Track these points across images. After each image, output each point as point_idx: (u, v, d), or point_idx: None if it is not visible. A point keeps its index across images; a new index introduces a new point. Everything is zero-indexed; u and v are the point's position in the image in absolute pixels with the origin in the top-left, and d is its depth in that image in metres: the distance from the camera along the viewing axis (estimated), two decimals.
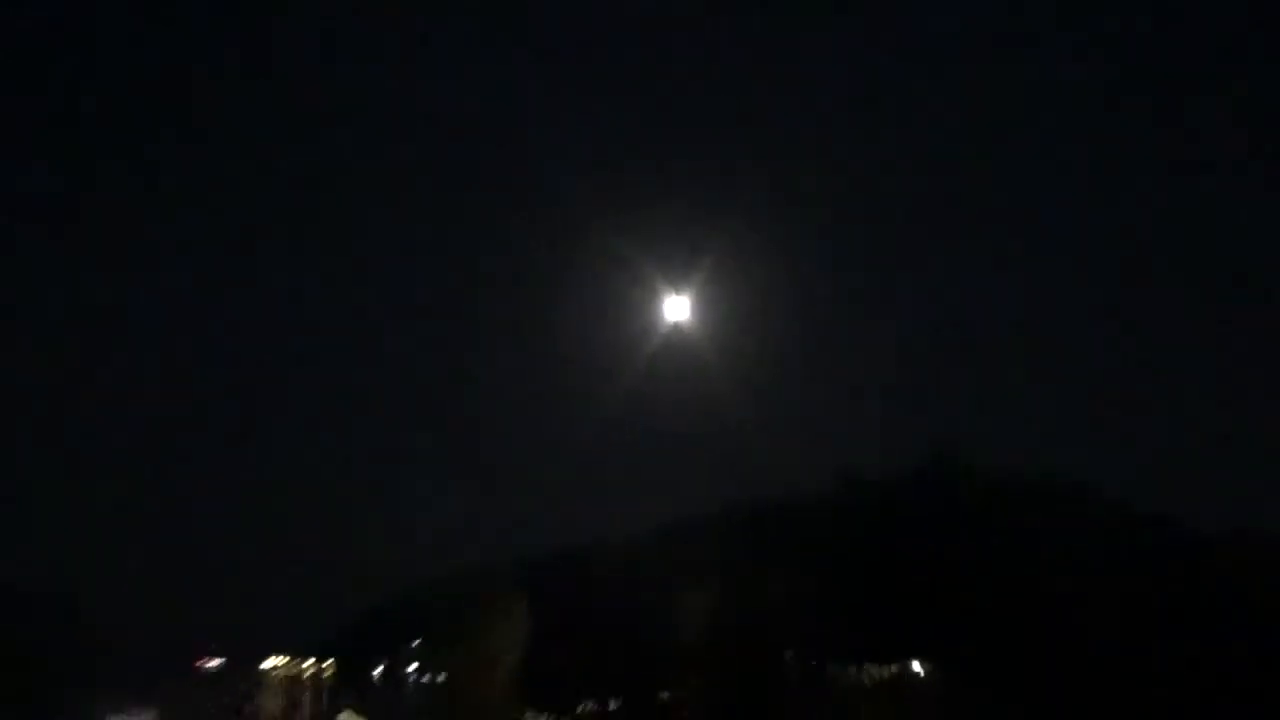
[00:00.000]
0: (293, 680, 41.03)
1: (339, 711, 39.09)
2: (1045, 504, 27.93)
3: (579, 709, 33.44)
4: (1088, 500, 29.26)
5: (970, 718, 24.58)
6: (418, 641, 40.90)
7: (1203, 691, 22.06)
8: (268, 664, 41.35)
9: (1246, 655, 22.89)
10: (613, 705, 32.80)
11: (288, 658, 41.41)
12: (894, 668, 28.07)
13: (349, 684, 41.06)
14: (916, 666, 27.93)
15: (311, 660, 41.47)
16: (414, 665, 41.56)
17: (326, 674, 41.32)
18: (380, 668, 42.12)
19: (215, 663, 41.52)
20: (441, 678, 39.69)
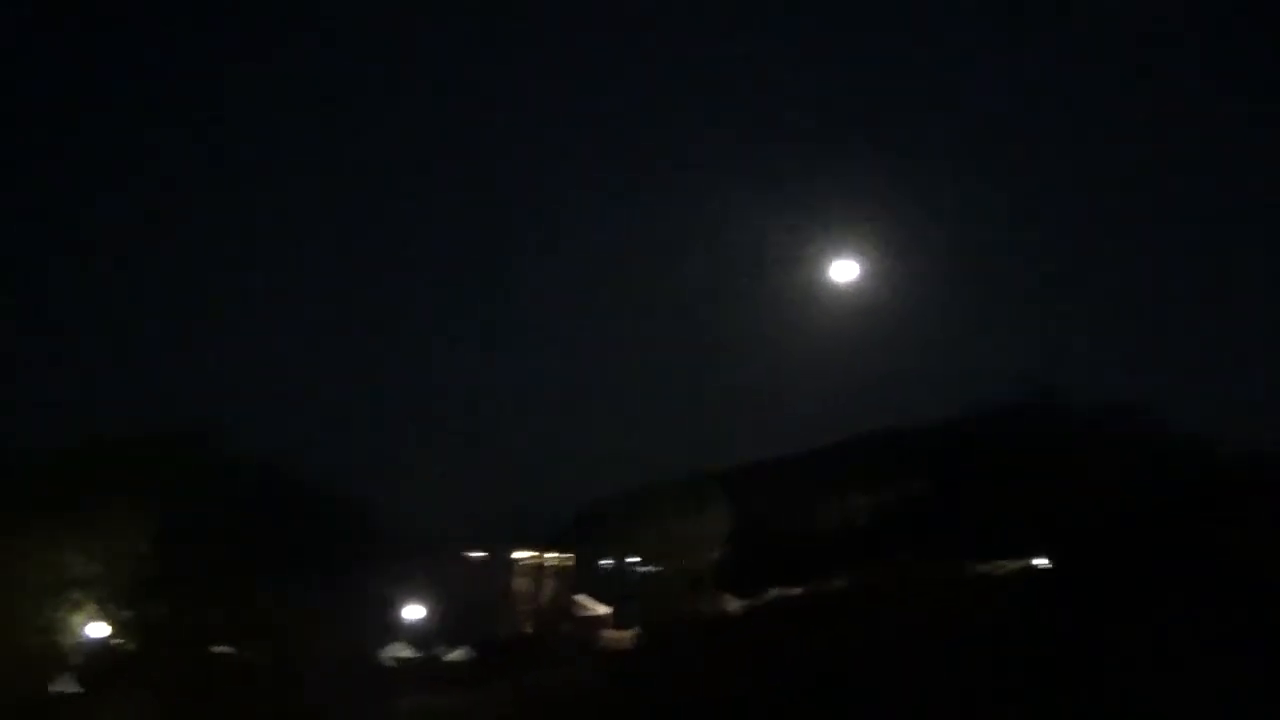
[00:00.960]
0: (538, 569, 50.07)
1: (574, 594, 48.05)
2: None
3: (766, 595, 40.42)
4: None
5: (1076, 596, 29.61)
6: (637, 538, 49.31)
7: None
8: (518, 555, 50.35)
9: None
10: (796, 592, 39.54)
11: (534, 551, 50.42)
12: (1020, 563, 34.39)
13: (583, 572, 50.00)
14: (1039, 561, 34.06)
15: (554, 554, 50.42)
16: (635, 557, 49.98)
17: (565, 564, 50.25)
18: (607, 559, 50.87)
19: (478, 554, 50.67)
20: (656, 568, 48.23)
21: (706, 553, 43.50)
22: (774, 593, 40.52)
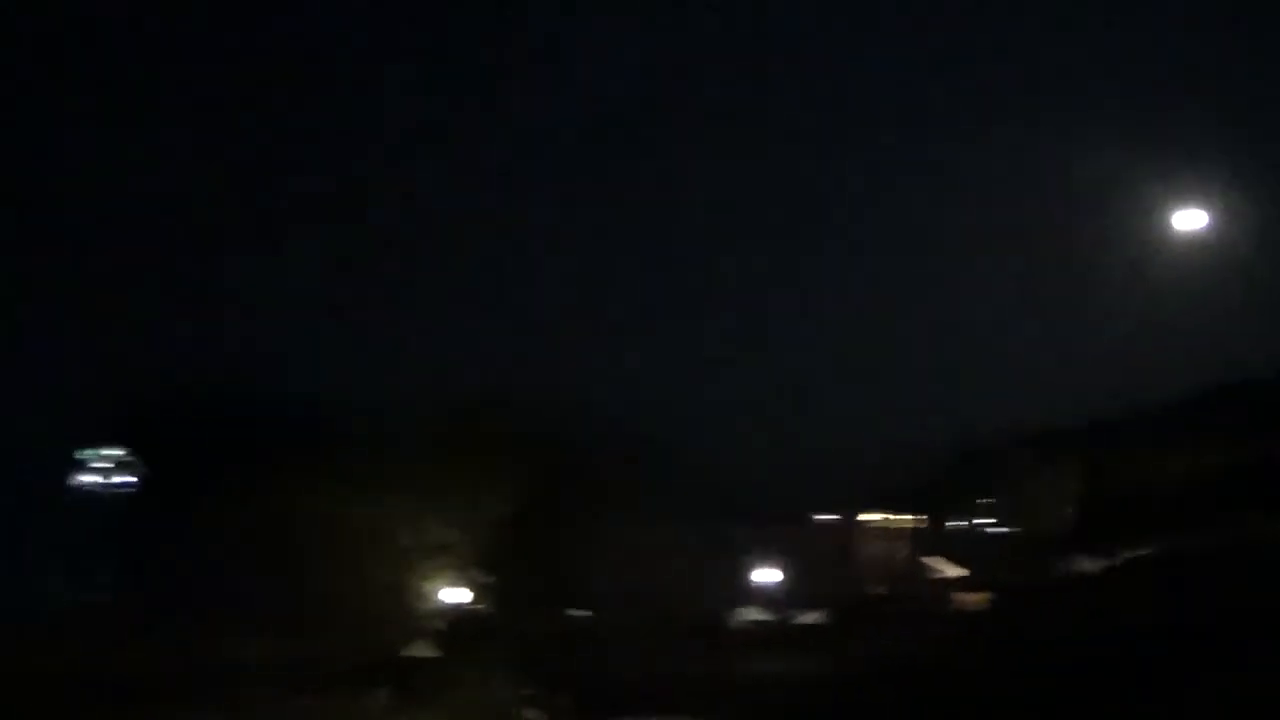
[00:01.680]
0: (887, 531, 51.05)
1: (925, 557, 48.65)
2: None
3: (1119, 555, 39.57)
4: None
5: None
6: (988, 499, 49.39)
7: None
8: (866, 518, 51.55)
9: None
10: (1149, 551, 38.52)
11: (883, 513, 51.42)
12: None
13: (932, 534, 50.52)
14: None
15: (903, 515, 51.17)
16: (985, 518, 49.94)
17: (914, 526, 50.92)
18: (957, 520, 51.04)
19: (827, 518, 52.17)
20: (1007, 529, 48.13)
21: (1057, 512, 43.22)
22: (1127, 553, 39.70)
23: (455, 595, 35.83)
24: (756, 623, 43.01)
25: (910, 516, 51.06)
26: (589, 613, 39.23)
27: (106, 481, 42.12)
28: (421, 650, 33.19)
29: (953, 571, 46.93)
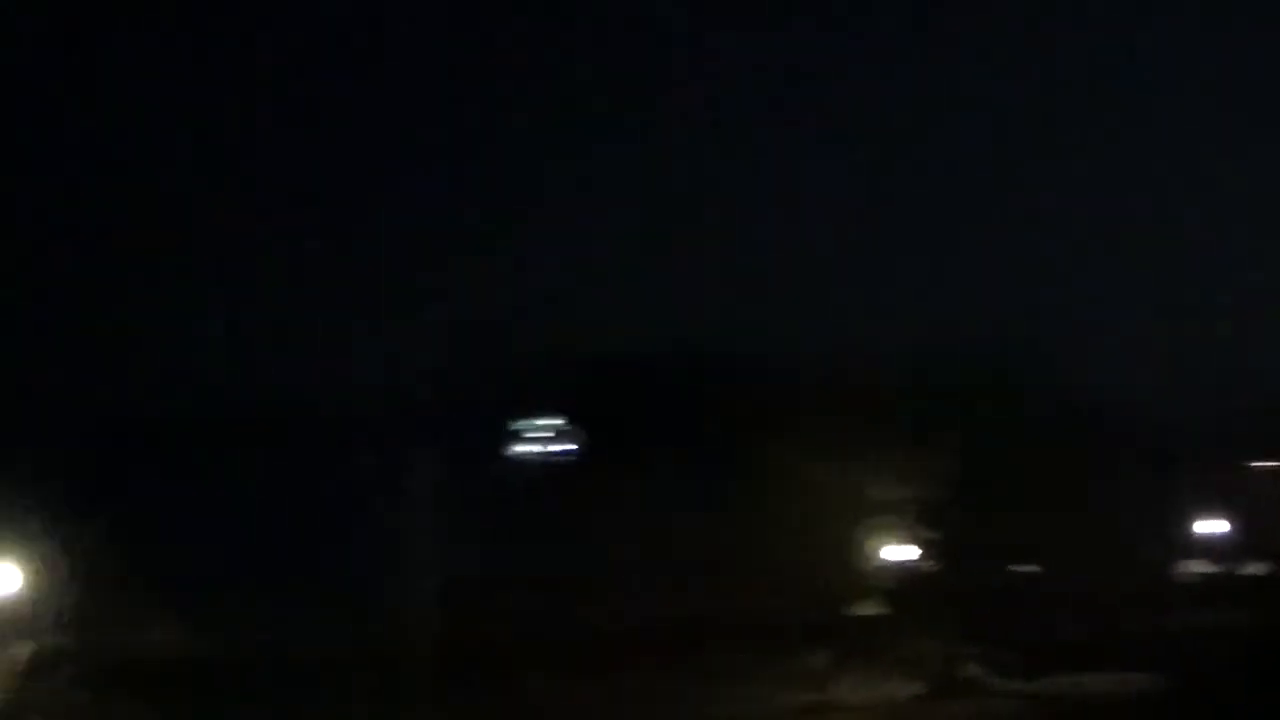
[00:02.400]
0: None
1: None
2: None
3: None
4: None
5: None
6: None
7: None
8: None
9: None
10: None
11: None
12: None
13: None
14: None
15: None
16: None
17: None
18: None
19: (1268, 465, 50.88)
20: None
21: None
22: None
23: (901, 552, 35.38)
24: (1201, 575, 44.10)
25: None
26: (1035, 568, 39.68)
27: (545, 451, 42.42)
28: (867, 609, 33.76)
29: None
